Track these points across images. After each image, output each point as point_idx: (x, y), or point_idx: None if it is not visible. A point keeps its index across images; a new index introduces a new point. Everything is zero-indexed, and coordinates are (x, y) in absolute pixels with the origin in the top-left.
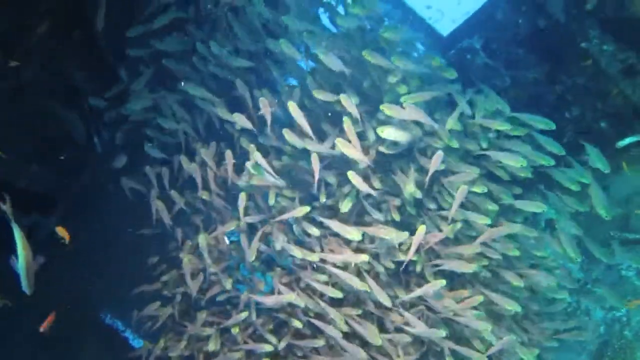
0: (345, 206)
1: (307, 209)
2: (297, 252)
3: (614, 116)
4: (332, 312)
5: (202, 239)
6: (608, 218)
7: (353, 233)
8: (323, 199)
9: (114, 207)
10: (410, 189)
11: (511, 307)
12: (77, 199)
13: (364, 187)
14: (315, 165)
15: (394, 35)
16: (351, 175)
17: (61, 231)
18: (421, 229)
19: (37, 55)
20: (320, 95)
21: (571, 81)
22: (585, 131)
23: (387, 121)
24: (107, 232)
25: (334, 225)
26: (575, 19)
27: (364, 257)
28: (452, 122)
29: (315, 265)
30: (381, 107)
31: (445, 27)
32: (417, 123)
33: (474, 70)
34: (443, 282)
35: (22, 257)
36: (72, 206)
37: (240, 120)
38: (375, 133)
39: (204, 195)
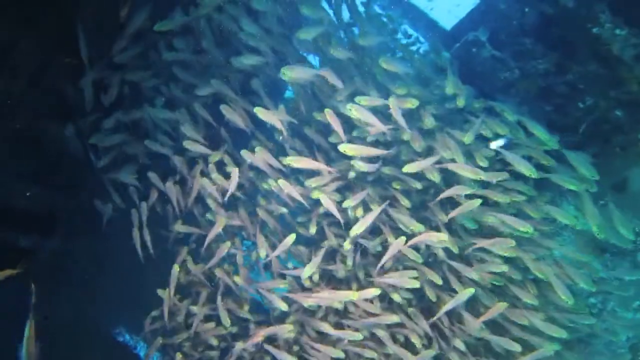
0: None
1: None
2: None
3: (629, 104)
4: None
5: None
6: (601, 237)
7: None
8: None
9: (115, 223)
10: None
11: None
12: (77, 217)
13: None
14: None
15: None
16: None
17: None
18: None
19: (25, 72)
20: None
21: (583, 69)
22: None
23: None
24: (110, 248)
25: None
26: (584, 4)
27: None
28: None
29: None
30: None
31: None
32: None
33: (480, 64)
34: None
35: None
36: (72, 225)
37: None
38: None
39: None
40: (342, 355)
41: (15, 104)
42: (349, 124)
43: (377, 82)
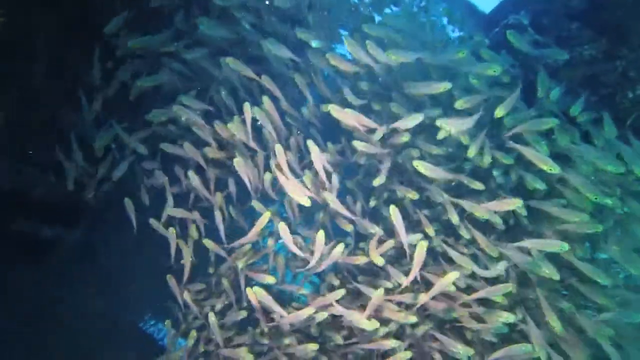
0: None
1: None
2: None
3: None
4: None
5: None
6: None
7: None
8: None
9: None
10: None
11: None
12: (100, 208)
13: None
14: None
15: None
16: None
17: None
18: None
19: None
20: None
21: (635, 55)
22: None
23: None
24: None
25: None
26: None
27: None
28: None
29: None
30: None
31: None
32: None
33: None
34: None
35: None
36: (96, 216)
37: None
38: None
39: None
40: None
41: (37, 91)
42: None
43: None
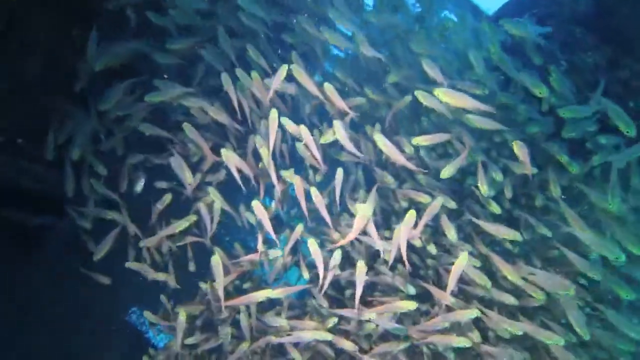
0: None
1: None
2: None
3: None
4: None
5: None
6: None
7: None
8: None
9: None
10: None
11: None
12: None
13: None
14: None
15: None
16: None
17: None
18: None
19: (39, 49)
20: None
21: (639, 66)
22: None
23: None
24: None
25: None
26: None
27: None
28: None
29: None
30: None
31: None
32: None
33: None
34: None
35: None
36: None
37: None
38: None
39: None
40: None
41: (30, 82)
42: None
43: None
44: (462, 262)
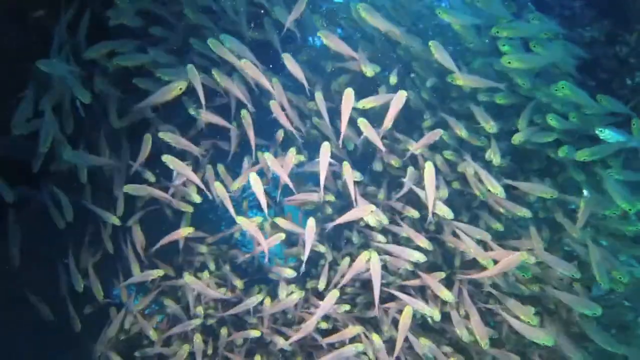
0: None
1: None
2: None
3: None
4: None
5: None
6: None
7: None
8: None
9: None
10: None
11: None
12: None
13: None
14: None
15: None
16: None
17: None
18: None
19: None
20: None
21: (636, 41)
22: None
23: None
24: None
25: None
26: None
27: None
28: None
29: None
30: None
31: None
32: None
33: None
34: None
35: None
36: (63, 177)
37: None
38: None
39: None
40: None
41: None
42: None
43: None
44: None
